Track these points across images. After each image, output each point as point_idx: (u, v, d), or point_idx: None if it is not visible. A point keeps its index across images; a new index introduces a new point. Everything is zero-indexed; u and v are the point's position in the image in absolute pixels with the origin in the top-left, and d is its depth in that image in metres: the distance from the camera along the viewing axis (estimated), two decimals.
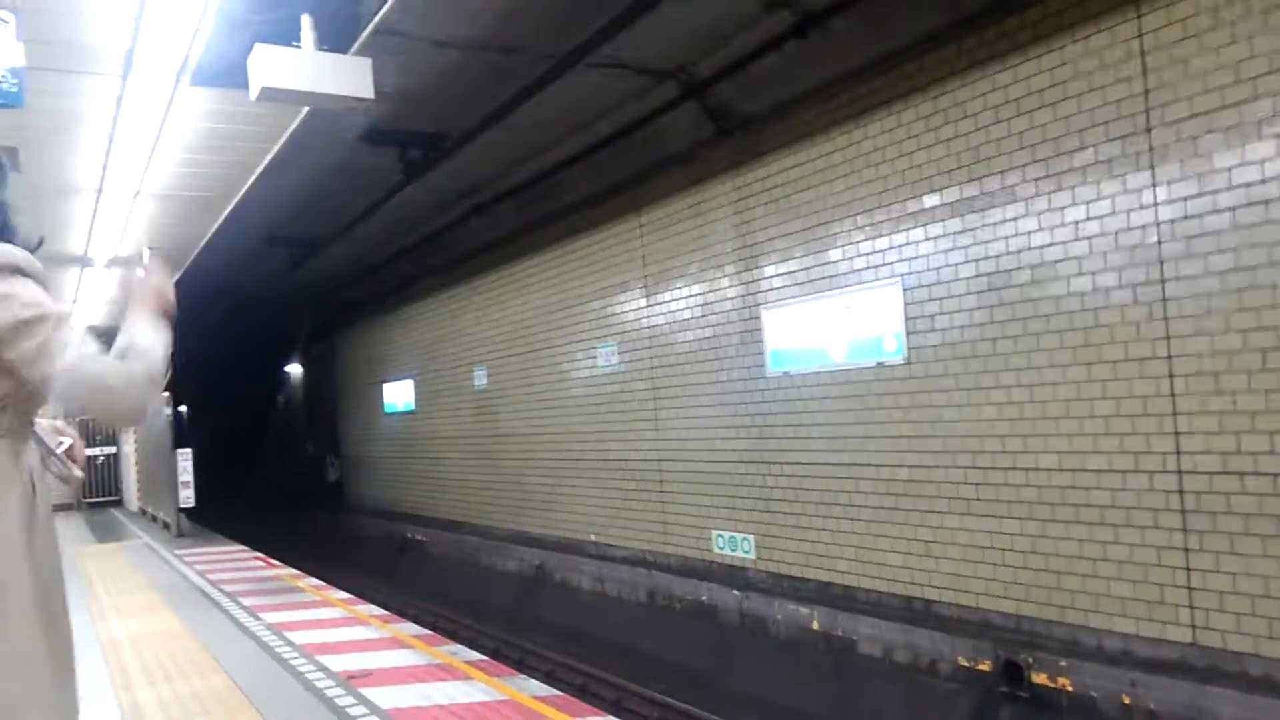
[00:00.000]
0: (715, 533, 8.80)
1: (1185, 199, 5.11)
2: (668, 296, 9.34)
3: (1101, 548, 5.61)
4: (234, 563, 10.75)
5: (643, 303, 9.72)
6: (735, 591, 8.28)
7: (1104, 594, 5.60)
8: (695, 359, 8.98)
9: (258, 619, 7.36)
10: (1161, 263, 5.23)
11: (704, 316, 8.85)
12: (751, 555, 8.35)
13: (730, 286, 8.49)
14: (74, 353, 1.72)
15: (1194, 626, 5.16)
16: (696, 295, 8.93)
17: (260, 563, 10.73)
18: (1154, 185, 5.24)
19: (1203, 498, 5.11)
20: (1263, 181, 4.76)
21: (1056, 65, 5.72)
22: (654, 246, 9.51)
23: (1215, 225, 4.98)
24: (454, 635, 9.92)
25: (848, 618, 7.11)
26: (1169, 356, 5.22)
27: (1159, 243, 5.24)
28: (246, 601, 8.14)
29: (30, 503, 1.80)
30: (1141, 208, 5.31)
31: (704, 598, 8.67)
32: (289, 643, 6.47)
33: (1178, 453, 5.22)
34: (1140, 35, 5.28)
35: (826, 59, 7.06)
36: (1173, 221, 5.17)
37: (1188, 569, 5.19)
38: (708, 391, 8.83)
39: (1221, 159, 4.93)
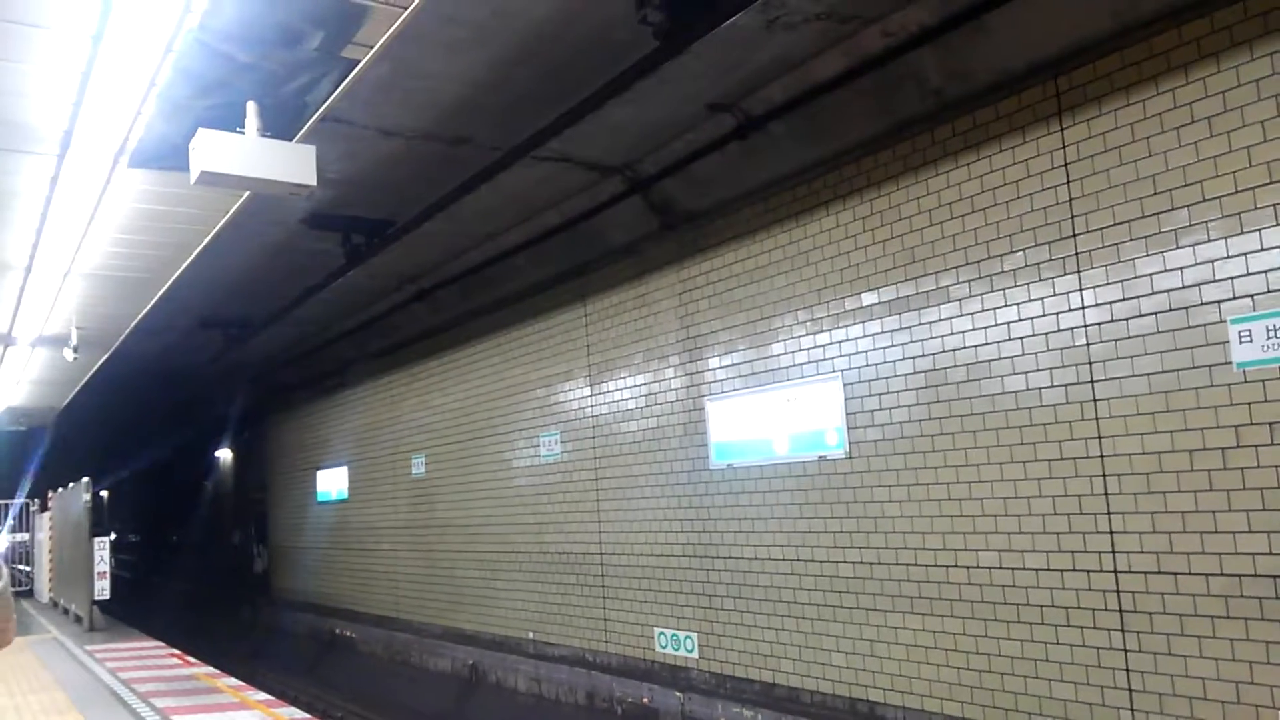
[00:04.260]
0: (658, 630, 8.59)
1: (1110, 303, 5.28)
2: (612, 386, 9.31)
3: (1043, 648, 5.58)
4: (148, 660, 10.15)
5: (587, 391, 9.66)
6: (677, 693, 8.03)
7: (1047, 696, 5.55)
8: (639, 449, 8.91)
9: None
10: (1090, 364, 5.38)
11: (648, 407, 8.82)
12: (694, 654, 8.15)
13: (674, 377, 8.50)
14: None
15: None
16: (640, 385, 8.92)
17: (176, 660, 10.15)
18: (1080, 289, 5.42)
19: (1139, 597, 5.14)
20: (1183, 288, 4.96)
21: (986, 172, 5.95)
22: (599, 336, 9.52)
23: (1140, 329, 5.14)
24: None
25: None
26: (1101, 456, 5.31)
27: (1088, 344, 5.39)
28: (159, 703, 7.67)
29: None
30: (1070, 310, 5.48)
31: (645, 699, 8.39)
32: None
33: (1113, 552, 5.26)
34: (1064, 147, 5.53)
35: (767, 161, 7.27)
36: (1100, 324, 5.33)
37: (1127, 670, 5.18)
38: (651, 483, 8.73)
39: (1144, 265, 5.13)
